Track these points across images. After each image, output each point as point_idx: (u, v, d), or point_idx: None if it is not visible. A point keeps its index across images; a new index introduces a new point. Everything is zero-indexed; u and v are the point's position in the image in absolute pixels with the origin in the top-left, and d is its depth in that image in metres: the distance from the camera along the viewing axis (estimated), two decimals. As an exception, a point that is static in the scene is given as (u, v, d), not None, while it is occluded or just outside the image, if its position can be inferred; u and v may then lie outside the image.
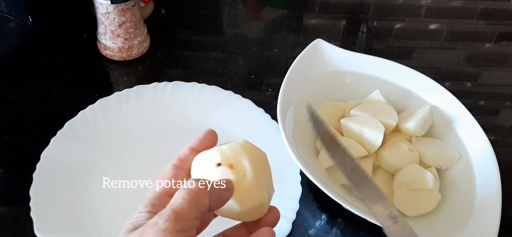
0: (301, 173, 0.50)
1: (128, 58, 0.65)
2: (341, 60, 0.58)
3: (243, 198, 0.31)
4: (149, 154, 0.54)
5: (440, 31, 0.76)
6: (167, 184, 0.32)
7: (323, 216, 0.51)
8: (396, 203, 0.48)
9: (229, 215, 0.33)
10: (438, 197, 0.48)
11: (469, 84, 0.68)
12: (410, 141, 0.53)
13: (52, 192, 0.48)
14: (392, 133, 0.53)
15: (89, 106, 0.56)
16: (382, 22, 0.77)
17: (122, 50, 0.64)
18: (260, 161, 0.33)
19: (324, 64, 0.58)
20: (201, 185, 0.29)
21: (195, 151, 0.34)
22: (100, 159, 0.52)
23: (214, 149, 0.33)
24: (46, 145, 0.51)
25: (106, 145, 0.53)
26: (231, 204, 0.32)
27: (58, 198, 0.48)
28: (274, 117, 0.55)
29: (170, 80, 0.60)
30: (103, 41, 0.64)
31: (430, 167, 0.51)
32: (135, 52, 0.65)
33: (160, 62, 0.66)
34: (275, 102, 0.52)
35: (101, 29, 0.64)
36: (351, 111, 0.54)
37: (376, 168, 0.51)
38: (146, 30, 0.66)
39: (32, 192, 0.47)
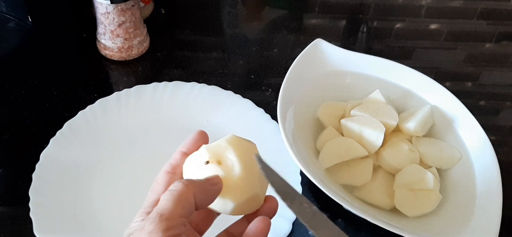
0: (301, 173, 0.50)
1: (127, 58, 0.65)
2: (341, 60, 0.58)
3: (236, 192, 0.32)
4: (148, 154, 0.54)
5: (440, 31, 0.76)
6: (161, 192, 0.32)
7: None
8: (397, 203, 0.48)
9: (226, 211, 0.33)
10: (439, 197, 0.48)
11: (469, 84, 0.68)
12: (411, 141, 0.53)
13: (52, 192, 0.48)
14: (393, 133, 0.53)
15: (88, 107, 0.55)
16: (382, 22, 0.77)
17: (122, 50, 0.64)
18: (248, 152, 0.33)
19: (324, 64, 0.58)
20: (184, 184, 0.29)
21: (186, 154, 0.34)
22: (100, 159, 0.52)
23: (202, 147, 0.33)
24: (45, 145, 0.51)
25: (105, 145, 0.53)
26: (225, 199, 0.32)
27: (57, 198, 0.48)
28: (274, 117, 0.55)
29: (170, 80, 0.60)
30: (102, 41, 0.64)
31: (431, 167, 0.51)
32: (135, 52, 0.65)
33: (160, 62, 0.66)
34: (275, 102, 0.52)
35: (100, 29, 0.64)
36: (351, 112, 0.54)
37: (376, 168, 0.51)
38: (145, 30, 0.66)
39: (31, 192, 0.47)
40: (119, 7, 0.60)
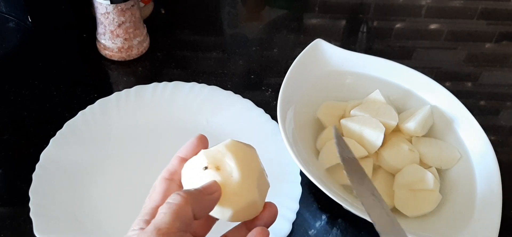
0: (301, 173, 0.50)
1: (127, 58, 0.65)
2: (341, 60, 0.58)
3: (233, 199, 0.31)
4: (148, 154, 0.54)
5: (441, 31, 0.76)
6: (158, 200, 0.32)
7: (323, 217, 0.50)
8: (397, 204, 0.48)
9: (225, 218, 0.32)
10: (439, 198, 0.48)
11: (469, 84, 0.68)
12: (411, 141, 0.53)
13: (52, 192, 0.48)
14: (393, 133, 0.53)
15: (88, 107, 0.55)
16: (382, 22, 0.77)
17: (122, 50, 0.64)
18: (247, 158, 0.33)
19: (324, 64, 0.58)
20: (182, 197, 0.29)
21: (184, 160, 0.34)
22: (100, 159, 0.52)
23: (201, 153, 0.33)
24: (45, 145, 0.51)
25: (105, 145, 0.53)
26: (223, 206, 0.31)
27: (57, 199, 0.48)
28: (274, 117, 0.55)
29: (170, 80, 0.60)
30: (102, 41, 0.64)
31: (431, 167, 0.51)
32: (135, 52, 0.65)
33: (159, 62, 0.66)
34: (275, 102, 0.52)
35: (100, 29, 0.64)
36: (352, 112, 0.54)
37: (376, 168, 0.51)
38: (145, 30, 0.66)
39: (31, 192, 0.47)
40: (119, 7, 0.60)
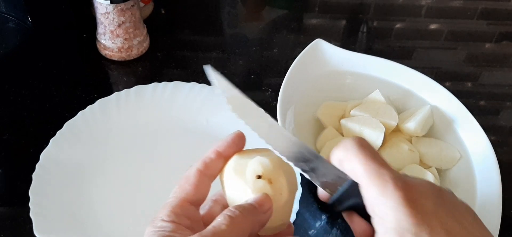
0: (301, 174, 0.50)
1: (127, 58, 0.65)
2: (341, 60, 0.58)
3: (274, 217, 0.30)
4: (148, 154, 0.54)
5: (441, 31, 0.76)
6: (190, 192, 0.30)
7: (323, 217, 0.50)
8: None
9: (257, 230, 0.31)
10: (439, 198, 0.48)
11: (469, 84, 0.68)
12: (411, 141, 0.53)
13: (52, 192, 0.48)
14: (393, 133, 0.53)
15: (88, 107, 0.55)
16: (382, 22, 0.77)
17: (122, 50, 0.64)
18: (293, 179, 0.32)
19: (324, 64, 0.58)
20: (242, 214, 0.28)
21: (222, 155, 0.32)
22: (100, 159, 0.52)
23: (256, 158, 0.31)
24: (45, 145, 0.51)
25: (105, 145, 0.53)
26: None
27: (57, 199, 0.48)
28: (274, 117, 0.55)
29: (170, 80, 0.60)
30: (102, 41, 0.64)
31: (431, 167, 0.51)
32: (135, 52, 0.65)
33: (159, 62, 0.66)
34: (275, 102, 0.52)
35: (100, 29, 0.63)
36: (351, 112, 0.54)
37: (376, 168, 0.51)
38: (145, 30, 0.66)
39: (31, 192, 0.47)
40: (119, 7, 0.60)
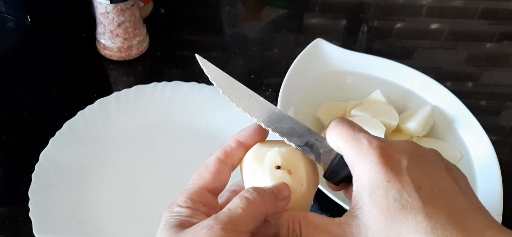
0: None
1: (127, 58, 0.65)
2: (341, 60, 0.58)
3: (291, 207, 0.30)
4: (148, 154, 0.53)
5: (441, 31, 0.76)
6: (209, 179, 0.30)
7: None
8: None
9: None
10: (439, 198, 0.48)
11: (470, 84, 0.68)
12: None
13: (51, 192, 0.48)
14: (393, 133, 0.53)
15: (88, 107, 0.55)
16: (383, 21, 0.77)
17: (121, 50, 0.64)
18: (313, 174, 0.32)
19: (325, 64, 0.57)
20: (260, 196, 0.28)
21: (243, 145, 0.32)
22: (99, 159, 0.52)
23: (275, 149, 0.31)
24: (45, 145, 0.51)
25: (105, 145, 0.53)
26: None
27: (57, 199, 0.47)
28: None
29: (170, 80, 0.60)
30: (102, 41, 0.64)
31: (431, 167, 0.51)
32: (134, 52, 0.65)
33: (159, 62, 0.66)
34: (275, 102, 0.52)
35: (100, 29, 0.63)
36: (352, 112, 0.54)
37: (376, 168, 0.51)
38: (145, 30, 0.66)
39: (31, 192, 0.47)
40: (119, 7, 0.60)
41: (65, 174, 0.50)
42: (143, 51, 0.66)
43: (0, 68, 0.64)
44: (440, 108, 0.55)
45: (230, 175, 0.31)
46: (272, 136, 0.32)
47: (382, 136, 0.50)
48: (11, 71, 0.64)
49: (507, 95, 0.67)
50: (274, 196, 0.28)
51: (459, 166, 0.50)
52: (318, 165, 0.32)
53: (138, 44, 0.65)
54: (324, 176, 0.31)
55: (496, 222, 0.28)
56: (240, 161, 0.32)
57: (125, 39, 0.63)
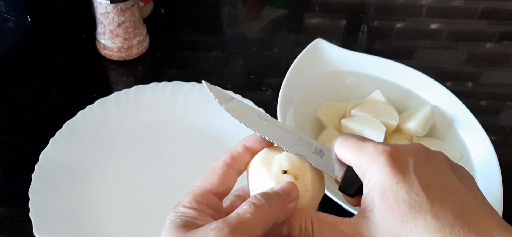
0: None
1: (127, 58, 0.65)
2: (341, 60, 0.58)
3: None
4: (148, 154, 0.53)
5: (441, 31, 0.76)
6: (215, 182, 0.30)
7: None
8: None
9: None
10: (439, 198, 0.48)
11: (470, 84, 0.68)
12: (411, 141, 0.53)
13: (51, 192, 0.48)
14: (393, 133, 0.53)
15: (88, 107, 0.55)
16: (383, 21, 0.77)
17: (121, 50, 0.64)
18: (319, 181, 0.32)
19: (325, 64, 0.57)
20: (268, 202, 0.28)
21: (249, 150, 0.32)
22: (99, 159, 0.52)
23: (284, 153, 0.31)
24: (45, 145, 0.51)
25: (105, 145, 0.53)
26: None
27: (57, 199, 0.47)
28: (274, 117, 0.55)
29: (170, 80, 0.60)
30: (102, 41, 0.64)
31: (431, 167, 0.51)
32: (134, 52, 0.65)
33: (159, 62, 0.66)
34: (275, 102, 0.52)
35: (100, 29, 0.63)
36: (352, 112, 0.54)
37: (377, 168, 0.51)
38: (145, 30, 0.66)
39: (31, 192, 0.47)
40: (119, 7, 0.60)
41: (65, 174, 0.50)
42: (143, 51, 0.66)
43: (0, 68, 0.64)
44: (440, 108, 0.55)
45: (236, 180, 0.32)
46: None
47: (382, 136, 0.50)
48: (11, 71, 0.64)
49: (507, 95, 0.67)
50: (282, 200, 0.29)
51: (459, 166, 0.51)
52: (331, 177, 0.32)
53: (138, 44, 0.65)
54: (340, 189, 0.32)
55: (503, 221, 0.28)
56: (246, 166, 0.32)
57: (125, 39, 0.63)
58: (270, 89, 0.63)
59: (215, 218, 0.27)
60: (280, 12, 0.77)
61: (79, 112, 0.55)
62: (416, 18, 0.78)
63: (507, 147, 0.59)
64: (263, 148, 0.32)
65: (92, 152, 0.52)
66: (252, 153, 0.32)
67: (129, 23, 0.62)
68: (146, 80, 0.60)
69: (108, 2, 0.59)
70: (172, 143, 0.55)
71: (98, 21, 0.63)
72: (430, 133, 0.54)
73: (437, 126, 0.55)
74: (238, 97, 0.57)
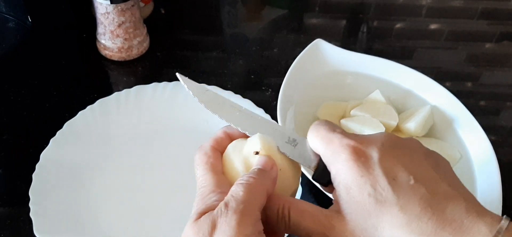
0: (301, 173, 0.50)
1: (127, 58, 0.65)
2: (341, 60, 0.58)
3: (276, 191, 0.31)
4: (148, 154, 0.53)
5: (441, 31, 0.76)
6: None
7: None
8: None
9: None
10: (439, 198, 0.48)
11: (470, 84, 0.68)
12: (411, 141, 0.53)
13: (52, 192, 0.48)
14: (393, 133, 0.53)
15: (88, 107, 0.55)
16: (383, 22, 0.77)
17: (122, 50, 0.64)
18: (294, 162, 0.32)
19: (325, 64, 0.57)
20: (253, 178, 0.28)
21: (229, 135, 0.33)
22: (100, 159, 0.52)
23: (256, 136, 0.32)
24: (45, 145, 0.51)
25: (105, 145, 0.53)
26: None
27: (57, 199, 0.47)
28: (274, 117, 0.55)
29: (170, 80, 0.60)
30: (102, 41, 0.64)
31: (431, 167, 0.51)
32: (135, 52, 0.65)
33: (159, 62, 0.66)
34: (275, 102, 0.52)
35: (100, 29, 0.63)
36: (352, 112, 0.54)
37: (376, 168, 0.51)
38: (145, 30, 0.66)
39: (31, 192, 0.47)
40: (119, 7, 0.60)
41: (65, 174, 0.50)
42: (144, 51, 0.66)
43: (0, 68, 0.64)
44: (440, 108, 0.55)
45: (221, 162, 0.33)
46: None
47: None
48: (11, 71, 0.64)
49: (506, 95, 0.67)
50: (264, 173, 0.29)
51: (458, 165, 0.51)
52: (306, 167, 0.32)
53: (139, 45, 0.65)
54: (313, 178, 0.32)
55: (477, 205, 0.27)
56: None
57: (125, 39, 0.63)
58: (270, 89, 0.63)
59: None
60: (280, 12, 0.77)
61: (80, 113, 0.55)
62: (416, 18, 0.78)
63: (507, 147, 0.59)
64: (241, 136, 0.33)
65: (92, 152, 0.52)
66: (232, 139, 0.33)
67: (130, 24, 0.62)
68: (146, 81, 0.60)
69: (109, 2, 0.59)
70: (172, 143, 0.55)
71: (98, 21, 0.63)
72: (430, 133, 0.54)
73: (436, 126, 0.55)
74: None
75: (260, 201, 0.28)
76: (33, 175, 0.48)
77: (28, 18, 0.67)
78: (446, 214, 0.26)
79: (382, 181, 0.27)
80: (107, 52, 0.64)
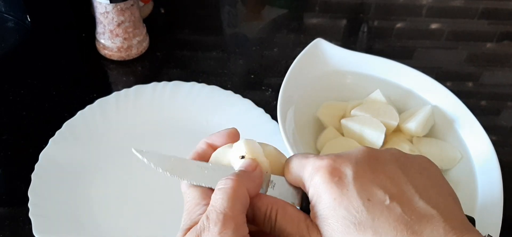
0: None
1: (127, 58, 0.65)
2: (341, 60, 0.58)
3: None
4: (148, 154, 0.53)
5: (442, 30, 0.76)
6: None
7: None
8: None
9: None
10: (440, 198, 0.48)
11: (470, 84, 0.68)
12: (411, 141, 0.53)
13: (51, 192, 0.48)
14: (393, 133, 0.53)
15: (88, 107, 0.55)
16: (383, 21, 0.77)
17: (121, 50, 0.64)
18: (279, 160, 0.32)
19: (325, 64, 0.57)
20: (233, 179, 0.28)
21: (211, 146, 0.33)
22: (99, 159, 0.52)
23: (241, 141, 0.32)
24: (44, 145, 0.51)
25: (105, 145, 0.53)
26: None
27: (56, 199, 0.47)
28: (274, 117, 0.55)
29: (170, 80, 0.60)
30: (102, 40, 0.64)
31: (431, 167, 0.51)
32: (134, 52, 0.65)
33: (159, 62, 0.66)
34: (275, 102, 0.52)
35: (100, 29, 0.63)
36: (352, 112, 0.54)
37: (377, 168, 0.51)
38: (145, 30, 0.66)
39: (30, 192, 0.47)
40: (118, 7, 0.60)
41: (65, 174, 0.50)
42: (143, 51, 0.66)
43: (0, 68, 0.64)
44: (440, 108, 0.55)
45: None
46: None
47: (382, 136, 0.50)
48: (11, 71, 0.64)
49: (507, 95, 0.67)
50: (245, 173, 0.29)
51: (459, 166, 0.51)
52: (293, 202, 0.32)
53: (138, 44, 0.65)
54: (301, 209, 0.31)
55: (459, 223, 0.26)
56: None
57: (125, 39, 0.63)
58: (270, 89, 0.63)
59: None
60: (280, 12, 0.77)
61: (79, 112, 0.55)
62: (416, 18, 0.78)
63: (507, 147, 0.59)
64: (223, 145, 0.33)
65: (92, 152, 0.52)
66: (214, 148, 0.33)
67: (129, 23, 0.62)
68: (146, 80, 0.60)
69: (108, 2, 0.59)
70: (171, 143, 0.55)
71: (98, 21, 0.63)
72: (430, 133, 0.54)
73: (437, 126, 0.55)
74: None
75: (242, 204, 0.28)
76: (33, 175, 0.48)
77: (27, 17, 0.67)
78: (423, 235, 0.25)
79: (356, 202, 0.26)
80: (106, 51, 0.64)
